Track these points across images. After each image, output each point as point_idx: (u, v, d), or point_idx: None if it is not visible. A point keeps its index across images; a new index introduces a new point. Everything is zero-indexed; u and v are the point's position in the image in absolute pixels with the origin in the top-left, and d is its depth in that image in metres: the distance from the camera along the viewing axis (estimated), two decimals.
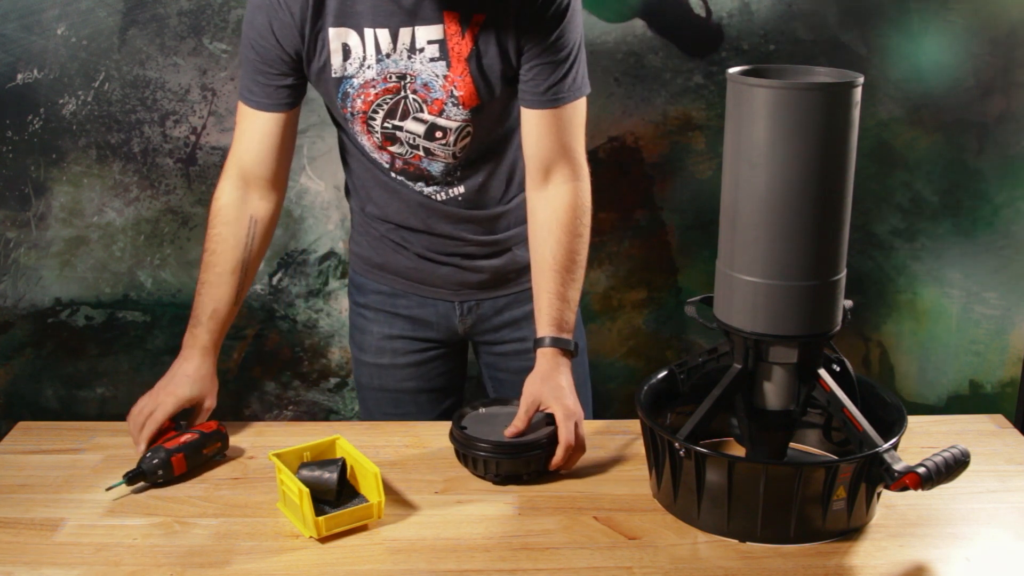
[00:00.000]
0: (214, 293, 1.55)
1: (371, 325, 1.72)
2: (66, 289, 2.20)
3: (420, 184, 1.59)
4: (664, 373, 1.43)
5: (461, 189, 1.59)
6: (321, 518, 1.25)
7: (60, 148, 2.11)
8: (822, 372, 1.30)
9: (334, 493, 1.32)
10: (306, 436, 1.42)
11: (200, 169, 2.13)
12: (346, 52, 1.47)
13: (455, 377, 1.80)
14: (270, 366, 2.28)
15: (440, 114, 1.50)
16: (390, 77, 1.48)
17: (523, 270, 1.66)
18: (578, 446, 1.41)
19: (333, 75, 1.49)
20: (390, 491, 1.36)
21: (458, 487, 1.39)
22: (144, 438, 1.44)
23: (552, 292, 1.52)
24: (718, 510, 1.26)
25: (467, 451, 1.40)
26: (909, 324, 2.31)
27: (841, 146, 1.19)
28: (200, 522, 1.30)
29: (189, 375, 1.52)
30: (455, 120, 1.51)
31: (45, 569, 1.21)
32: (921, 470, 1.18)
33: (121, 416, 1.53)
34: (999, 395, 2.36)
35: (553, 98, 1.50)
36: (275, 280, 2.22)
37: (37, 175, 2.13)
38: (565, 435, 1.39)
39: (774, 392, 1.30)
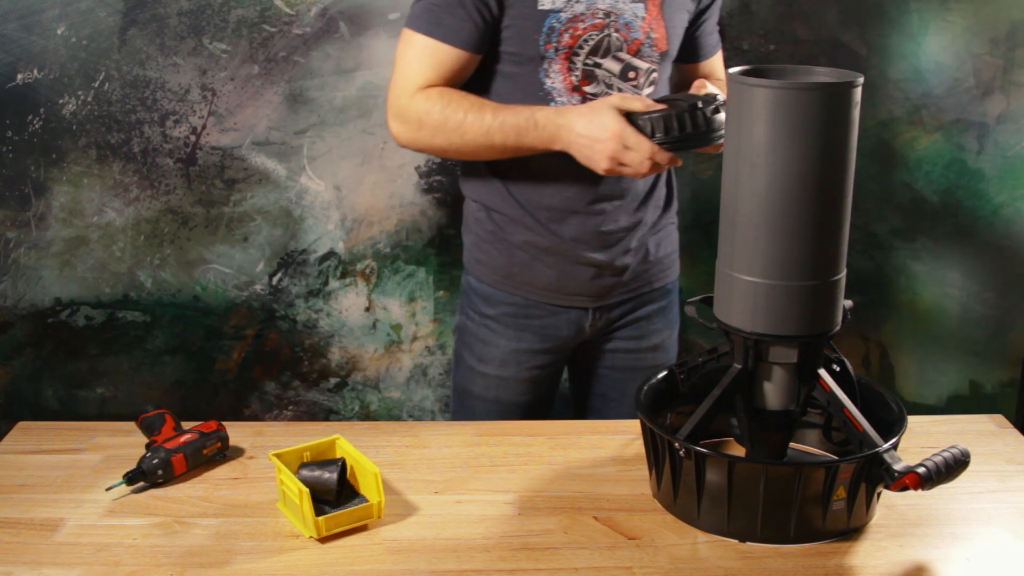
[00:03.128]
0: (506, 106, 1.51)
1: (498, 338, 1.70)
2: (66, 289, 2.20)
3: None
4: (664, 373, 1.43)
5: None
6: (321, 518, 1.25)
7: (60, 148, 2.11)
8: (822, 372, 1.30)
9: (334, 493, 1.32)
10: (306, 436, 1.42)
11: (200, 169, 2.13)
12: None
13: (555, 388, 1.81)
14: (270, 366, 2.28)
15: (636, 54, 1.55)
16: (597, 13, 1.52)
17: (651, 269, 1.71)
18: None
19: (539, 7, 1.49)
20: (390, 491, 1.36)
21: (458, 487, 1.39)
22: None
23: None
24: (718, 510, 1.26)
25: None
26: (909, 324, 2.31)
27: (841, 146, 1.19)
28: (200, 522, 1.30)
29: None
30: (647, 62, 1.56)
31: (45, 569, 1.21)
32: (921, 470, 1.18)
33: (121, 416, 1.53)
34: (999, 395, 2.36)
35: (709, 54, 1.72)
36: (275, 280, 2.22)
37: (37, 175, 2.13)
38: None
39: (774, 392, 1.30)
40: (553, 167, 1.58)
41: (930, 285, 2.28)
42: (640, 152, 1.43)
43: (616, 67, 1.55)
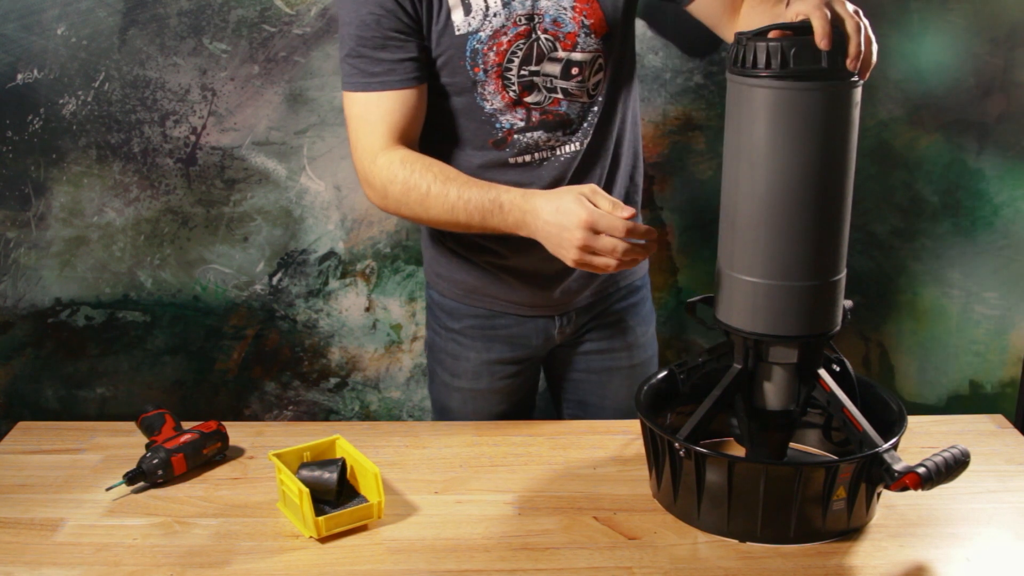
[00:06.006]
0: (471, 182, 1.42)
1: (467, 352, 1.68)
2: (66, 289, 2.20)
3: (555, 139, 1.51)
4: (664, 373, 1.43)
5: (588, 140, 1.54)
6: (321, 518, 1.25)
7: (60, 148, 2.11)
8: (822, 372, 1.30)
9: (334, 493, 1.32)
10: (306, 436, 1.42)
11: (200, 169, 2.13)
12: (466, 6, 1.42)
13: (533, 393, 1.79)
14: (270, 366, 2.28)
15: (574, 48, 1.47)
16: (519, 20, 1.43)
17: (618, 275, 1.66)
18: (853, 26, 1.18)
19: (457, 33, 1.43)
20: (390, 491, 1.36)
21: (458, 487, 1.39)
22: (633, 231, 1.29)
23: None
24: (718, 510, 1.26)
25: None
26: (909, 324, 2.31)
27: (841, 146, 1.19)
28: (200, 522, 1.30)
29: (550, 193, 1.36)
30: (588, 52, 1.48)
31: (45, 569, 1.21)
32: (921, 470, 1.18)
33: (121, 416, 1.53)
34: (999, 395, 2.35)
35: None
36: (275, 280, 2.22)
37: (37, 175, 2.12)
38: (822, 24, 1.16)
39: (774, 392, 1.30)
40: (502, 180, 1.53)
41: (930, 285, 2.28)
42: (613, 231, 1.28)
43: (555, 68, 1.47)
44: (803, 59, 1.15)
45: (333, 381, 2.30)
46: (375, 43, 1.43)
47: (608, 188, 1.60)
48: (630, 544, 1.26)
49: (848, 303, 1.31)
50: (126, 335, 2.24)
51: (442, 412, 1.76)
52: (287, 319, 2.25)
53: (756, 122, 1.18)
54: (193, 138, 2.12)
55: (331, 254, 2.21)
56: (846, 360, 1.39)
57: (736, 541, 1.26)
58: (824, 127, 1.17)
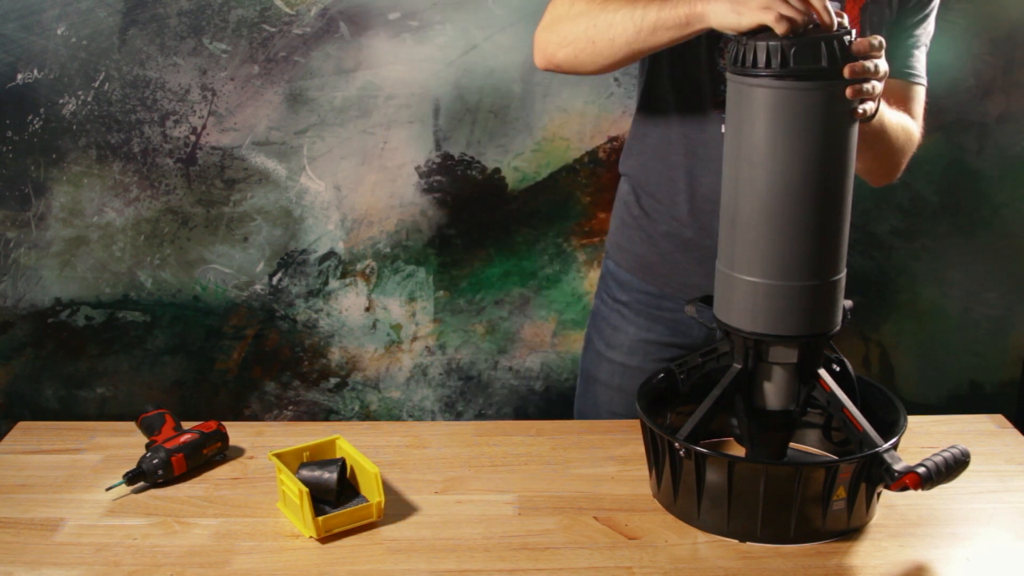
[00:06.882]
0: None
1: (628, 325, 1.67)
2: (66, 289, 2.20)
3: None
4: (664, 373, 1.43)
5: None
6: (321, 518, 1.25)
7: (60, 148, 2.11)
8: (822, 372, 1.30)
9: (334, 493, 1.32)
10: (306, 436, 1.42)
11: (200, 169, 2.13)
12: None
13: None
14: (270, 366, 2.28)
15: None
16: None
17: None
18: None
19: None
20: (390, 491, 1.36)
21: (458, 487, 1.39)
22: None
23: None
24: (718, 510, 1.26)
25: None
26: (909, 324, 2.31)
27: (841, 146, 1.19)
28: (200, 522, 1.30)
29: None
30: None
31: (45, 569, 1.21)
32: (921, 470, 1.18)
33: (121, 416, 1.53)
34: (999, 395, 2.36)
35: (899, 72, 1.49)
36: (275, 280, 2.22)
37: (37, 175, 2.13)
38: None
39: (774, 392, 1.30)
40: (714, 147, 1.51)
41: (930, 285, 2.28)
42: None
43: None
44: (803, 59, 1.15)
45: (333, 381, 2.30)
46: None
47: None
48: (630, 544, 1.26)
49: (848, 303, 1.31)
50: (126, 335, 2.24)
51: (588, 381, 1.75)
52: (287, 319, 2.25)
53: (756, 122, 1.18)
54: (193, 138, 2.12)
55: (331, 254, 2.22)
56: (846, 360, 1.39)
57: (736, 541, 1.26)
58: (824, 127, 1.17)
